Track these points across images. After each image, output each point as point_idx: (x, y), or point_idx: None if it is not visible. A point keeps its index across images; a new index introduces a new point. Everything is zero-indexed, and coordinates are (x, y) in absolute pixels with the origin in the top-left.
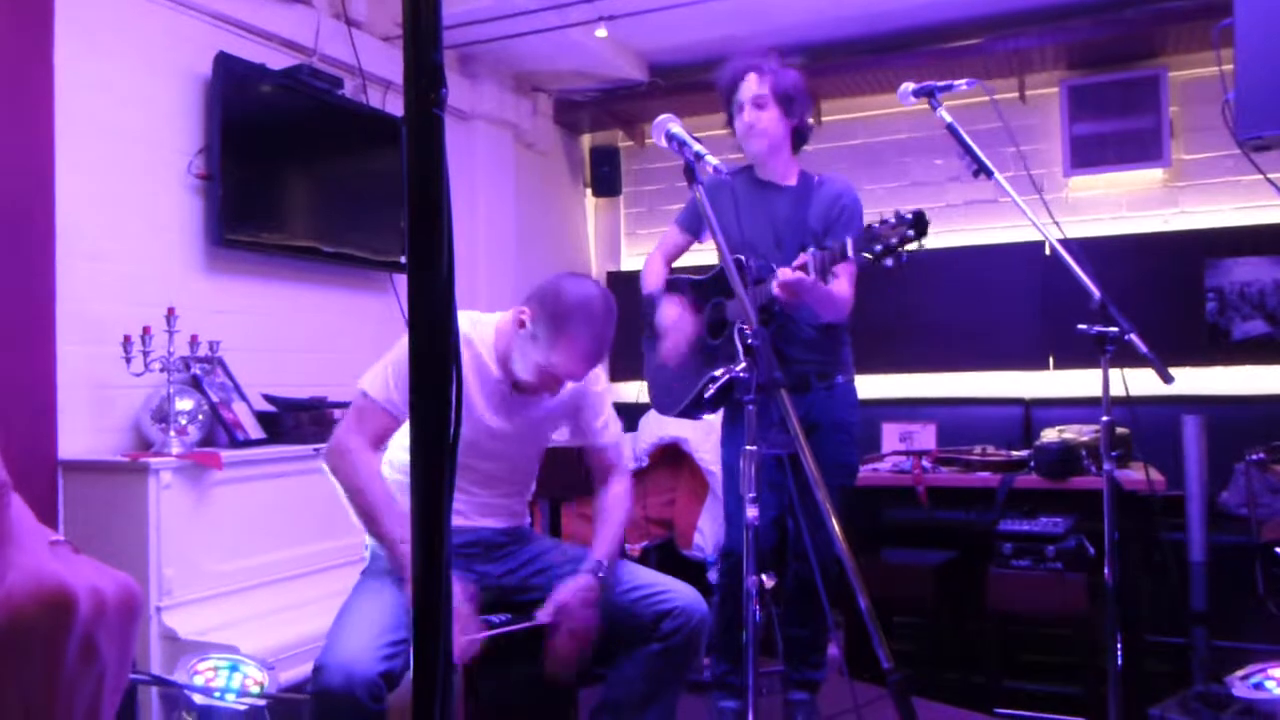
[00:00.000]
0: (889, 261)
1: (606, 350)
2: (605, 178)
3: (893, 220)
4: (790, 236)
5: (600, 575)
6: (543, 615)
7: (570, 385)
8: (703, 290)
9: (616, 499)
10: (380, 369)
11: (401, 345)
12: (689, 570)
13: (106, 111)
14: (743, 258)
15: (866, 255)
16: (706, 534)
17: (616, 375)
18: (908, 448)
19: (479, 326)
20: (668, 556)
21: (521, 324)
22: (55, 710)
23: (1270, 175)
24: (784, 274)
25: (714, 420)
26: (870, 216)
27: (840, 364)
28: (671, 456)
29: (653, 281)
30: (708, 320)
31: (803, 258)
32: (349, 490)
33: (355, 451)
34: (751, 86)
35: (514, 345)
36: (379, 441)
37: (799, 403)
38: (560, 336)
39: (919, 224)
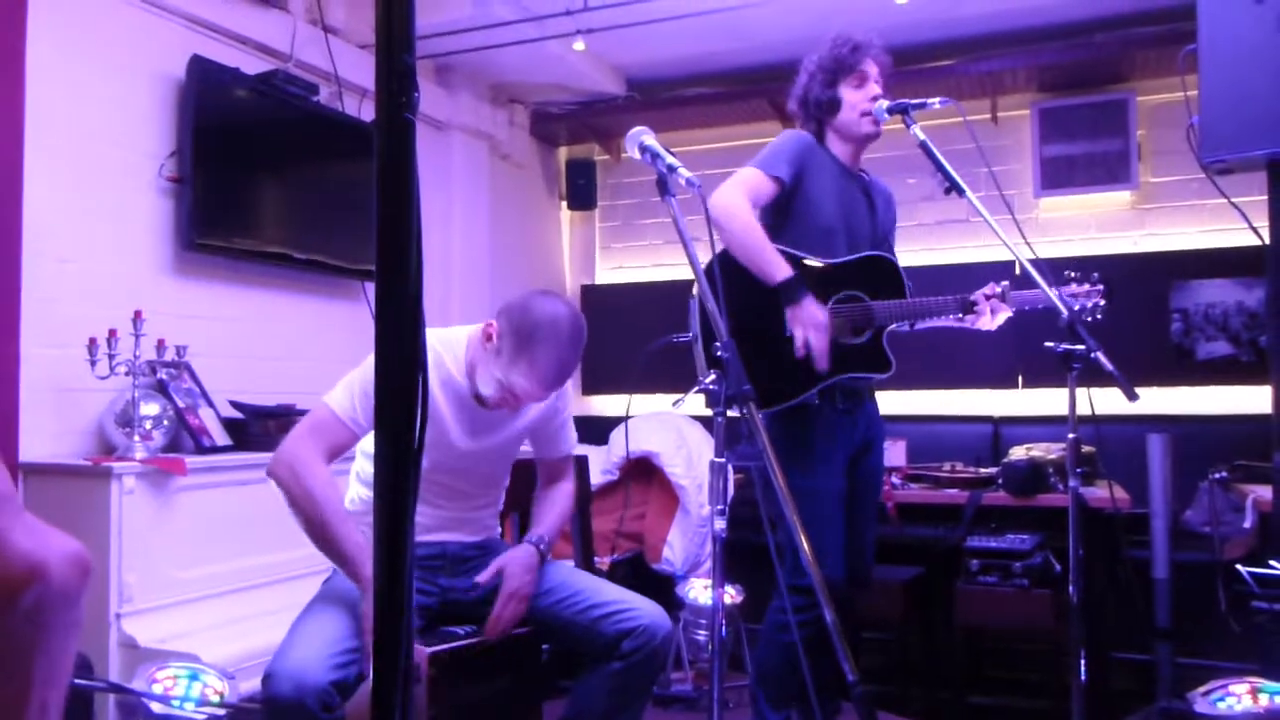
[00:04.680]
0: (1089, 318)
1: (569, 374)
2: (581, 191)
3: (1083, 280)
4: (870, 238)
5: (540, 547)
6: (483, 577)
7: (536, 407)
8: (825, 281)
9: (564, 493)
10: (345, 384)
11: (370, 363)
12: (657, 584)
13: (78, 112)
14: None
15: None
16: (676, 548)
17: (589, 389)
18: None
19: (448, 342)
20: (636, 570)
21: (489, 337)
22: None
23: (1234, 199)
24: (997, 304)
25: (686, 433)
26: None
27: None
28: (642, 470)
29: (771, 254)
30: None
31: (994, 287)
32: (298, 499)
33: (309, 462)
34: (874, 68)
35: (478, 358)
36: (332, 455)
37: (863, 415)
38: (522, 354)
39: (1109, 289)
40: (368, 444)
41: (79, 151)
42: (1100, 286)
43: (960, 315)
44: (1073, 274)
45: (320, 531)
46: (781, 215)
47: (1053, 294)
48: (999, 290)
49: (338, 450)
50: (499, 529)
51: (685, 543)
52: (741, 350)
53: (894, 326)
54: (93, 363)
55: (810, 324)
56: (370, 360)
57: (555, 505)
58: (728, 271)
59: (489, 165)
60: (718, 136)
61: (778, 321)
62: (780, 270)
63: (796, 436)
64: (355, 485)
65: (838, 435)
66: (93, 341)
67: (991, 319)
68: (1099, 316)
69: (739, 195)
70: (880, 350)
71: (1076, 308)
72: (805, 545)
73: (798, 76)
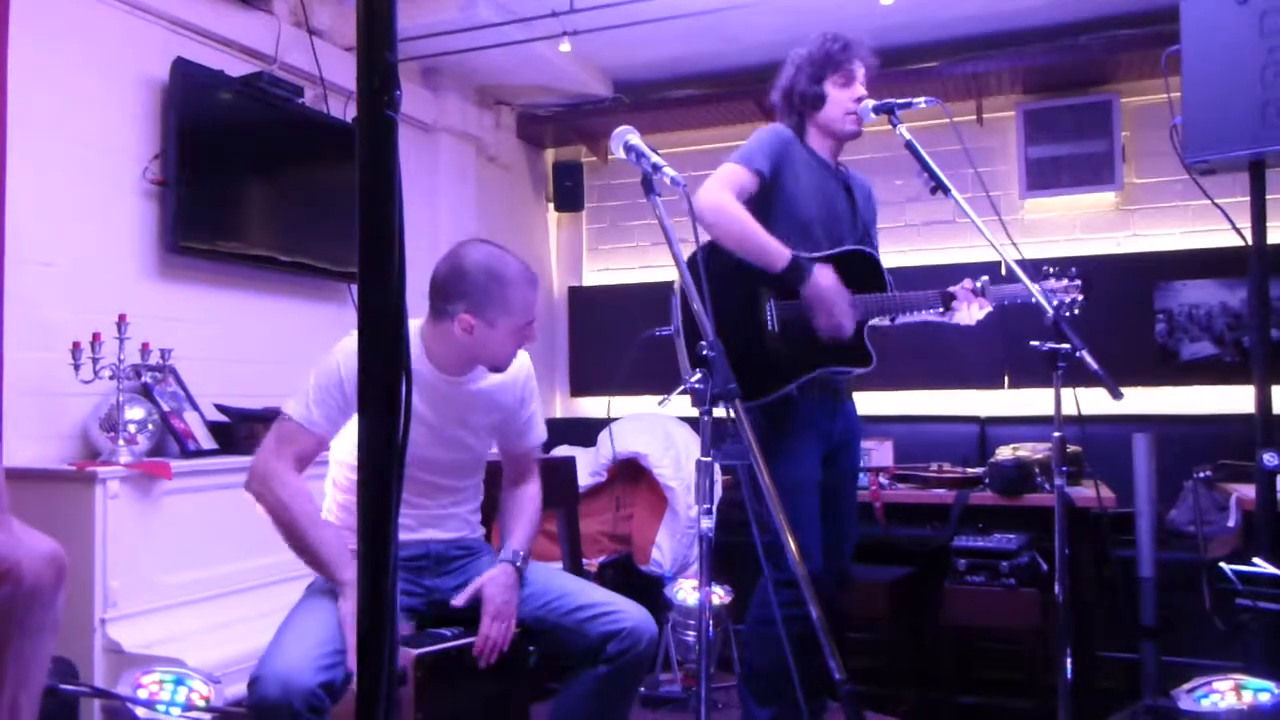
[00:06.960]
0: (1067, 313)
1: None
2: (568, 193)
3: (1062, 276)
4: (851, 232)
5: (517, 564)
6: (460, 600)
7: (507, 388)
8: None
9: (531, 497)
10: (300, 391)
11: (320, 364)
12: (646, 585)
13: (60, 115)
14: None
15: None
16: (664, 549)
17: (577, 390)
18: (865, 464)
19: None
20: (625, 572)
21: (469, 329)
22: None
23: (1217, 199)
24: (975, 298)
25: (674, 434)
26: None
27: None
28: (630, 472)
29: (768, 241)
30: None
31: (971, 282)
32: (274, 510)
33: (280, 473)
34: (861, 69)
35: (470, 348)
36: (302, 463)
37: (841, 413)
38: (512, 299)
39: (1087, 285)
40: (339, 451)
41: (62, 154)
42: (1078, 282)
43: (941, 309)
44: (1051, 270)
45: (298, 538)
46: (761, 210)
47: (1037, 291)
48: (978, 285)
49: (306, 456)
50: (481, 527)
51: (674, 544)
52: (723, 344)
53: (875, 321)
54: (76, 366)
55: (830, 298)
56: (321, 362)
57: (524, 514)
58: (710, 266)
59: (475, 167)
60: (704, 138)
61: (758, 314)
62: (780, 255)
63: (775, 427)
64: (331, 492)
65: (815, 427)
66: (76, 345)
67: (970, 313)
68: (1077, 312)
69: (723, 191)
70: (862, 344)
71: (1055, 303)
72: (791, 541)
73: (783, 68)
